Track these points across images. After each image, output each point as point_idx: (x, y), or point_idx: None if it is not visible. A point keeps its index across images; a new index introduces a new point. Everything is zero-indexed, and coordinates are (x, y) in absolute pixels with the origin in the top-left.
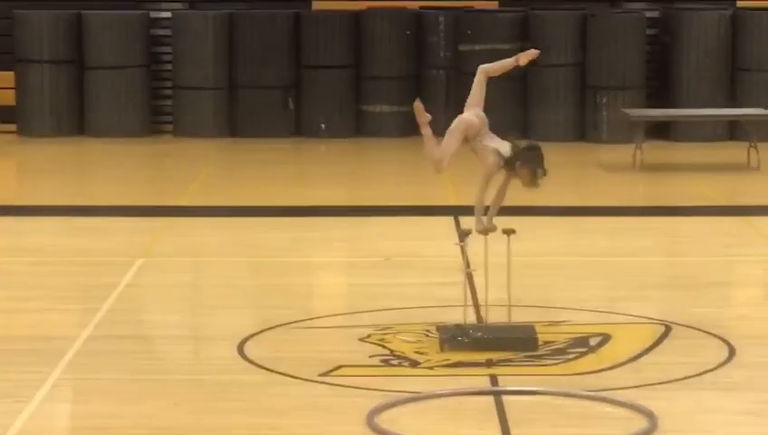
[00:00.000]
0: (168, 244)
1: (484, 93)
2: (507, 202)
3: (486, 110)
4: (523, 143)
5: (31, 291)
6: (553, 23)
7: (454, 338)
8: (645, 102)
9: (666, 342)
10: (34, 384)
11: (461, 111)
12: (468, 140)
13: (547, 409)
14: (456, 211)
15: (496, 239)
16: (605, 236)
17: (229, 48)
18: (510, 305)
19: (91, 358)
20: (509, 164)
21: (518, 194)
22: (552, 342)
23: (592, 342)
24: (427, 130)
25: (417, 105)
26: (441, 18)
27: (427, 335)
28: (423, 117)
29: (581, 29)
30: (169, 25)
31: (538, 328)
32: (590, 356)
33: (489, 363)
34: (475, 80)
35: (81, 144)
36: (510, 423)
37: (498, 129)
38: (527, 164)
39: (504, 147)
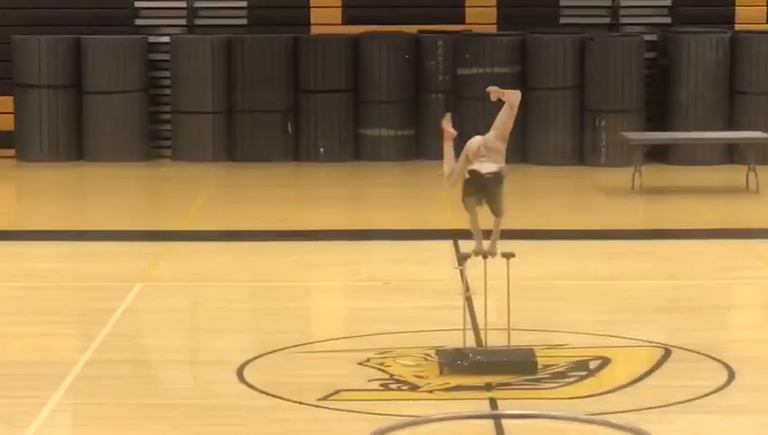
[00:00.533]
0: (166, 268)
1: (506, 120)
2: (506, 226)
3: (486, 133)
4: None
5: (29, 316)
6: (552, 46)
7: (453, 362)
8: (644, 126)
9: (665, 365)
10: (33, 409)
11: (459, 135)
12: (470, 161)
13: (547, 432)
14: (455, 235)
15: (495, 263)
16: (604, 259)
17: (228, 72)
18: (509, 329)
19: (90, 382)
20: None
21: (517, 218)
22: (552, 365)
23: (592, 365)
24: (446, 145)
25: (446, 119)
26: (440, 42)
27: (427, 359)
28: (447, 132)
29: (580, 52)
30: (168, 50)
31: (537, 351)
32: (590, 380)
33: (488, 387)
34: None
35: (79, 169)
36: None
37: None
38: (463, 189)
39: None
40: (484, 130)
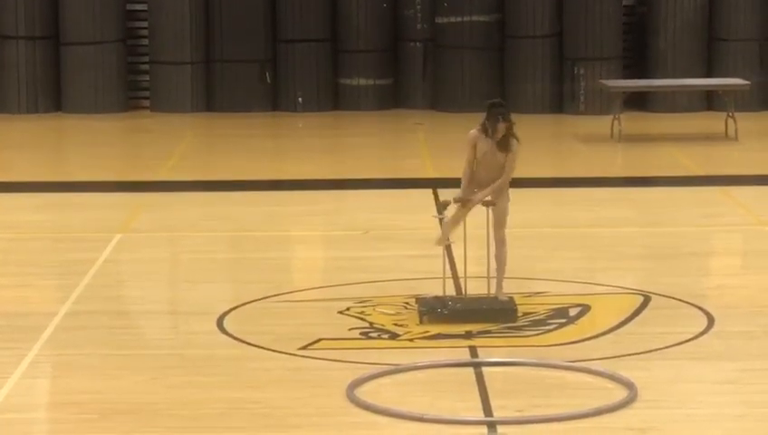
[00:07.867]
0: (145, 219)
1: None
2: None
3: (464, 82)
4: None
5: (8, 267)
6: None
7: (433, 310)
8: (622, 73)
9: (645, 312)
10: (13, 360)
11: (437, 84)
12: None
13: (527, 380)
14: (435, 184)
15: (475, 211)
16: (584, 207)
17: (206, 22)
18: (489, 277)
19: (70, 333)
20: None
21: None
22: (532, 313)
23: (572, 312)
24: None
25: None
26: None
27: (407, 308)
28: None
29: (558, 0)
30: (146, 0)
31: (517, 299)
32: (570, 327)
33: (469, 335)
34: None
35: (57, 120)
36: (490, 394)
37: (476, 100)
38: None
39: None
40: (461, 79)
